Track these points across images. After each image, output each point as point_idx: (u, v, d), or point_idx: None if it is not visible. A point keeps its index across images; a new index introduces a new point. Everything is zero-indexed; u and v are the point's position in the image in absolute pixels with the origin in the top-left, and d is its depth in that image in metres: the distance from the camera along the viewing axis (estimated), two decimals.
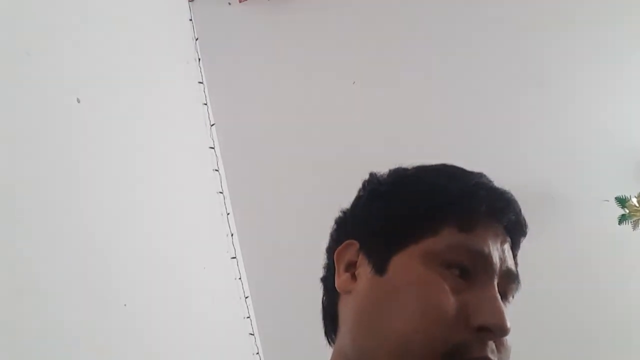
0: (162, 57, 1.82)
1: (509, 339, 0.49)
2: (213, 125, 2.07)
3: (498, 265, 0.50)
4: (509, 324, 0.46)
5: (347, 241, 0.58)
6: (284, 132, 2.10)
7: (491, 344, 0.47)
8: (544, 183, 1.83)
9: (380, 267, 0.53)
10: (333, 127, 2.04)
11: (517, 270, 0.54)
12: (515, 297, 0.55)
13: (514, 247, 0.55)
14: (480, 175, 0.58)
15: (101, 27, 1.44)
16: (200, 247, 1.76)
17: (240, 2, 2.11)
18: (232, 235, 2.00)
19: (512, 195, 0.56)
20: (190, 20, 2.13)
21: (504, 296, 0.52)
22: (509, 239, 0.54)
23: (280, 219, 2.07)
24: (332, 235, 0.63)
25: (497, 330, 0.46)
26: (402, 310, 0.48)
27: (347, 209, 0.63)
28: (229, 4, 2.14)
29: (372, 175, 0.63)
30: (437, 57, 1.97)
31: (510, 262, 0.53)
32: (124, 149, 1.42)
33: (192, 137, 1.94)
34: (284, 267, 2.01)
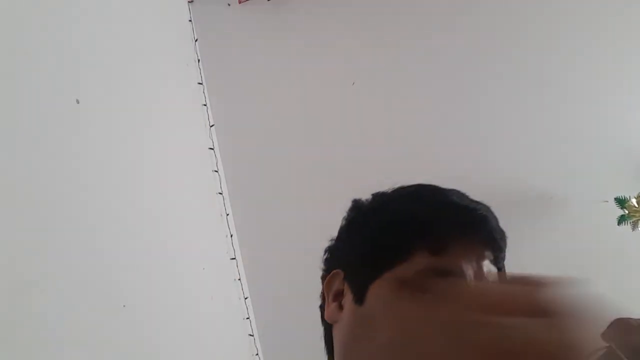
0: (162, 58, 1.82)
1: None
2: (212, 126, 2.07)
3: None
4: None
5: (334, 270, 0.59)
6: (284, 133, 2.10)
7: None
8: (544, 183, 1.83)
9: (359, 297, 0.53)
10: (332, 127, 2.04)
11: None
12: None
13: (496, 260, 0.54)
14: (451, 193, 0.57)
15: (101, 28, 1.44)
16: (199, 248, 1.76)
17: (239, 3, 2.12)
18: (231, 236, 2.00)
19: (485, 208, 0.56)
20: (190, 21, 2.14)
21: None
22: (487, 253, 0.53)
23: (279, 219, 2.07)
24: (323, 263, 0.63)
25: None
26: (378, 339, 0.48)
27: (334, 237, 0.63)
28: (229, 5, 2.15)
29: (354, 202, 0.62)
30: (436, 57, 1.97)
31: (489, 280, 0.52)
32: (124, 150, 1.42)
33: (191, 138, 1.94)
34: (284, 268, 2.01)
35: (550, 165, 1.85)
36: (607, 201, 1.67)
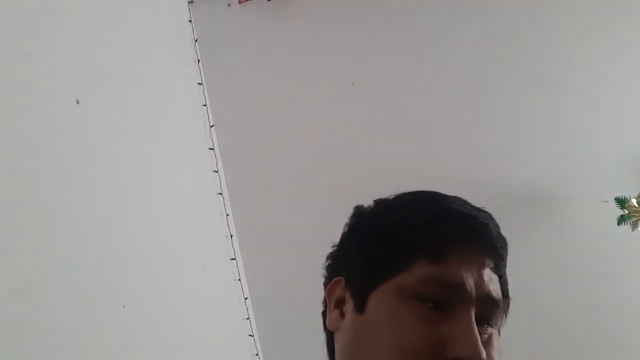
0: (162, 58, 1.82)
1: (497, 358, 0.49)
2: (212, 126, 2.07)
3: (473, 292, 0.49)
4: (484, 355, 0.46)
5: (336, 278, 0.59)
6: (284, 133, 2.10)
7: None
8: (544, 184, 1.83)
9: (359, 306, 0.53)
10: (333, 127, 2.04)
11: (500, 292, 0.53)
12: (510, 313, 0.55)
13: (497, 268, 0.54)
14: (452, 200, 0.57)
15: (100, 28, 1.44)
16: (199, 248, 1.76)
17: (239, 3, 2.12)
18: (231, 236, 2.00)
19: (486, 216, 0.55)
20: (190, 21, 2.13)
21: (486, 322, 0.51)
22: (488, 261, 0.53)
23: (279, 220, 2.06)
24: (325, 270, 0.63)
25: None
26: (379, 349, 0.49)
27: (337, 243, 0.63)
28: (229, 5, 2.15)
29: (355, 209, 0.62)
30: (436, 58, 1.97)
31: (489, 287, 0.51)
32: (124, 150, 1.41)
33: (191, 139, 1.94)
34: (284, 268, 2.01)
35: (550, 165, 1.85)
36: (607, 201, 1.67)
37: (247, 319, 1.95)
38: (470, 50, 1.94)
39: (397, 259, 0.52)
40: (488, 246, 0.53)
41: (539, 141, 1.87)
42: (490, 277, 0.52)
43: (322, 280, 0.63)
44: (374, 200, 0.61)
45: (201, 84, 2.08)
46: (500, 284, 0.54)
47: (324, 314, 0.61)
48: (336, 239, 0.63)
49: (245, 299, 1.97)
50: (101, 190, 1.27)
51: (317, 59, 2.08)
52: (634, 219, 1.60)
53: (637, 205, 1.60)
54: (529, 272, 1.69)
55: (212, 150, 2.03)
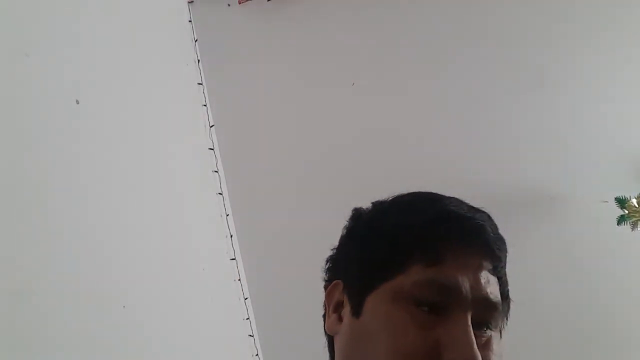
0: (162, 58, 1.82)
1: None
2: (212, 126, 2.07)
3: (470, 295, 0.49)
4: (479, 358, 0.45)
5: (335, 281, 0.59)
6: (284, 133, 2.10)
7: None
8: (543, 184, 1.83)
9: (356, 309, 0.53)
10: (333, 128, 2.04)
11: (499, 295, 0.52)
12: (510, 316, 0.54)
13: (495, 270, 0.53)
14: (449, 201, 0.56)
15: (100, 28, 1.44)
16: (199, 249, 1.76)
17: (239, 3, 2.12)
18: (231, 236, 2.00)
19: (483, 217, 0.55)
20: (190, 21, 2.13)
21: (485, 325, 0.50)
22: (486, 263, 0.52)
23: (279, 220, 2.06)
24: (325, 273, 0.63)
25: None
26: (375, 352, 0.48)
27: (336, 247, 0.63)
28: (228, 5, 2.14)
29: (354, 211, 0.62)
30: (435, 58, 1.97)
31: (487, 290, 0.50)
32: (123, 150, 1.41)
33: (191, 139, 1.94)
34: (284, 268, 2.01)
35: (550, 165, 1.85)
36: (607, 201, 1.67)
37: (247, 319, 1.95)
38: (471, 50, 1.94)
39: (393, 262, 0.51)
40: (485, 248, 0.52)
41: (539, 141, 1.87)
42: (487, 279, 0.51)
43: (322, 280, 0.63)
44: (372, 203, 0.61)
45: (201, 84, 2.08)
46: (499, 286, 0.53)
47: (325, 317, 0.61)
48: (336, 239, 0.62)
49: (245, 299, 1.97)
50: (101, 190, 1.27)
51: (317, 59, 2.08)
52: (634, 219, 1.60)
53: (637, 205, 1.60)
54: (529, 272, 1.69)
55: (212, 150, 2.03)
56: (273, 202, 2.08)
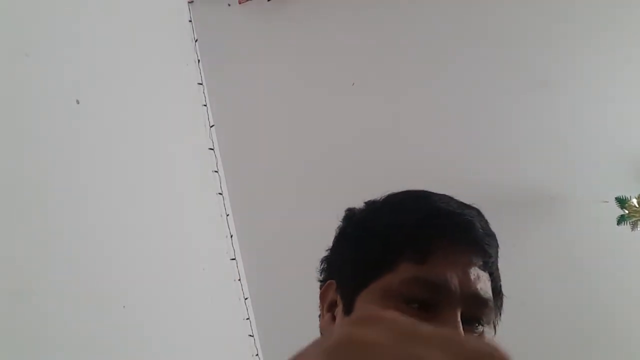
0: (162, 58, 1.82)
1: None
2: (212, 126, 2.07)
3: (459, 291, 0.49)
4: None
5: (329, 281, 0.60)
6: (284, 133, 2.10)
7: None
8: (543, 183, 1.83)
9: (347, 308, 0.54)
10: (332, 128, 2.04)
11: (490, 290, 0.52)
12: (504, 312, 0.54)
13: (485, 265, 0.52)
14: (438, 198, 0.56)
15: (100, 28, 1.44)
16: (199, 249, 1.76)
17: (239, 3, 2.12)
18: (231, 236, 2.00)
19: (472, 213, 0.55)
20: (190, 21, 2.13)
21: (476, 321, 0.50)
22: (475, 259, 0.51)
23: (279, 220, 2.06)
24: (320, 274, 0.63)
25: None
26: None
27: (330, 247, 0.63)
28: (229, 5, 2.14)
29: (347, 212, 0.62)
30: (435, 58, 1.97)
31: (477, 286, 0.50)
32: (123, 150, 1.41)
33: (191, 139, 1.94)
34: (284, 268, 2.01)
35: (550, 165, 1.85)
36: (607, 201, 1.67)
37: (247, 319, 1.95)
38: (470, 50, 1.94)
39: (382, 260, 0.52)
40: (474, 244, 0.52)
41: (539, 141, 1.87)
42: (477, 275, 0.51)
43: (317, 280, 0.63)
44: (365, 202, 0.61)
45: (201, 84, 2.08)
46: (491, 282, 0.53)
47: (320, 317, 0.61)
48: None
49: (245, 299, 1.97)
50: (101, 190, 1.27)
51: (317, 59, 2.08)
52: (634, 218, 1.60)
53: (637, 205, 1.60)
54: (529, 272, 1.69)
55: (212, 150, 2.03)
56: (273, 202, 2.08)
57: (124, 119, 1.45)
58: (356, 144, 2.00)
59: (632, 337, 1.75)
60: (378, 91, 2.01)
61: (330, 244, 0.63)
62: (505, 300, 0.56)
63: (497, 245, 0.55)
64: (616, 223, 1.62)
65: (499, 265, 0.57)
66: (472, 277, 0.50)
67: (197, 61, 2.09)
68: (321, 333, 0.60)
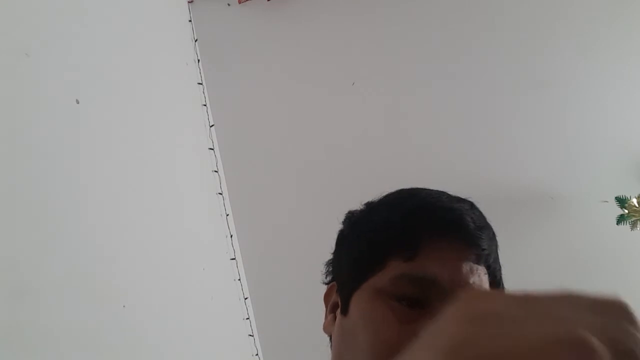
0: (162, 58, 1.82)
1: None
2: (212, 126, 2.07)
3: (449, 286, 0.48)
4: None
5: (332, 283, 0.61)
6: (284, 133, 2.10)
7: None
8: (543, 183, 1.83)
9: (344, 308, 0.54)
10: (332, 128, 2.04)
11: (487, 283, 0.51)
12: None
13: (479, 258, 0.51)
14: (429, 194, 0.56)
15: (100, 28, 1.44)
16: (199, 248, 1.76)
17: (239, 3, 2.12)
18: (231, 236, 2.00)
19: (463, 206, 0.54)
20: (190, 21, 2.14)
21: None
22: (468, 253, 0.51)
23: (279, 220, 2.07)
24: (324, 277, 0.64)
25: None
26: (359, 349, 0.49)
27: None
28: (228, 5, 2.15)
29: (347, 214, 0.62)
30: (436, 58, 1.97)
31: (469, 280, 0.49)
32: (123, 150, 1.41)
33: (191, 138, 1.94)
34: (284, 268, 2.01)
35: (550, 165, 1.85)
36: (607, 201, 1.67)
37: (247, 319, 1.95)
38: (471, 50, 1.94)
39: (373, 259, 0.52)
40: (465, 237, 0.51)
41: (539, 141, 1.87)
42: (470, 269, 0.50)
43: (322, 279, 0.64)
44: (364, 203, 0.61)
45: (201, 83, 2.08)
46: (489, 274, 0.52)
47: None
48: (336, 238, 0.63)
49: (245, 299, 1.97)
50: (101, 190, 1.27)
51: (317, 58, 2.08)
52: (634, 218, 1.60)
53: (637, 205, 1.60)
54: (529, 272, 1.69)
55: (212, 150, 2.03)
56: (273, 202, 2.08)
57: (123, 119, 1.45)
58: (356, 143, 2.00)
59: None
60: (378, 91, 2.01)
61: (330, 244, 0.64)
62: None
63: (493, 237, 0.55)
64: (616, 223, 1.62)
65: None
66: (464, 271, 0.50)
67: (197, 61, 2.09)
68: (327, 334, 0.61)
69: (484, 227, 0.54)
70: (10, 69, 1.06)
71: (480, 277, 0.51)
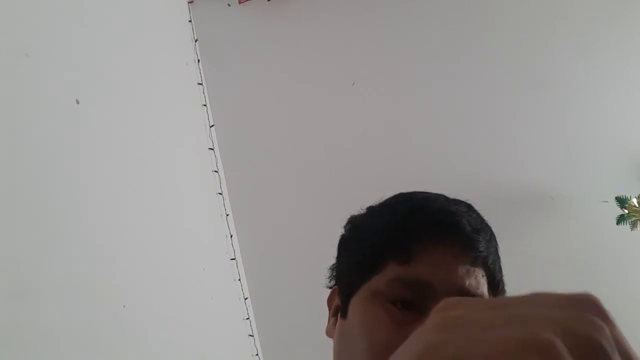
0: (162, 58, 1.82)
1: None
2: (212, 126, 2.07)
3: (444, 289, 0.48)
4: None
5: (335, 287, 0.62)
6: (284, 133, 2.10)
7: None
8: (544, 183, 1.83)
9: (344, 311, 0.55)
10: (333, 128, 2.04)
11: (485, 285, 0.51)
12: None
13: (476, 261, 0.51)
14: (425, 197, 0.56)
15: (100, 28, 1.44)
16: (199, 248, 1.76)
17: (239, 3, 2.12)
18: (231, 236, 2.00)
19: (460, 208, 0.54)
20: (190, 21, 2.14)
21: None
22: (464, 255, 0.50)
23: (279, 220, 2.07)
24: (329, 281, 0.65)
25: None
26: (356, 351, 0.49)
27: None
28: (229, 5, 2.15)
29: (349, 218, 0.62)
30: (436, 58, 1.97)
31: (465, 282, 0.49)
32: (123, 150, 1.41)
33: (191, 138, 1.94)
34: (284, 268, 2.01)
35: (550, 165, 1.85)
36: (607, 201, 1.67)
37: (247, 319, 1.95)
38: (471, 50, 1.94)
39: (370, 263, 0.52)
40: (460, 240, 0.51)
41: (539, 141, 1.87)
42: (467, 271, 0.50)
43: (322, 280, 0.65)
44: (366, 208, 0.62)
45: (201, 84, 2.08)
46: (487, 276, 0.52)
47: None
48: (336, 239, 0.63)
49: (245, 299, 1.97)
50: (101, 190, 1.27)
51: (317, 58, 2.08)
52: (634, 218, 1.60)
53: (637, 205, 1.60)
54: (529, 272, 1.69)
55: (212, 150, 2.03)
56: (273, 202, 2.08)
57: (123, 119, 1.45)
58: (356, 144, 2.00)
59: (632, 337, 1.75)
60: (378, 91, 2.01)
61: (330, 244, 0.65)
62: None
63: (491, 239, 0.54)
64: (616, 223, 1.62)
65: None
66: (461, 273, 0.49)
67: (197, 61, 2.10)
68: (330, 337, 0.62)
69: (481, 229, 0.53)
70: (10, 69, 1.06)
71: (477, 280, 0.50)
